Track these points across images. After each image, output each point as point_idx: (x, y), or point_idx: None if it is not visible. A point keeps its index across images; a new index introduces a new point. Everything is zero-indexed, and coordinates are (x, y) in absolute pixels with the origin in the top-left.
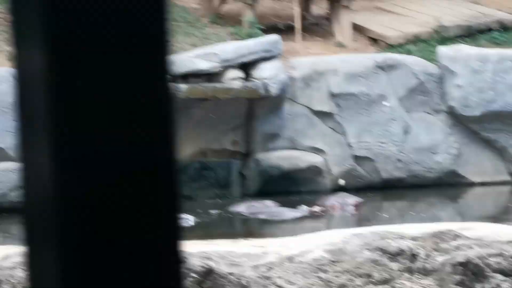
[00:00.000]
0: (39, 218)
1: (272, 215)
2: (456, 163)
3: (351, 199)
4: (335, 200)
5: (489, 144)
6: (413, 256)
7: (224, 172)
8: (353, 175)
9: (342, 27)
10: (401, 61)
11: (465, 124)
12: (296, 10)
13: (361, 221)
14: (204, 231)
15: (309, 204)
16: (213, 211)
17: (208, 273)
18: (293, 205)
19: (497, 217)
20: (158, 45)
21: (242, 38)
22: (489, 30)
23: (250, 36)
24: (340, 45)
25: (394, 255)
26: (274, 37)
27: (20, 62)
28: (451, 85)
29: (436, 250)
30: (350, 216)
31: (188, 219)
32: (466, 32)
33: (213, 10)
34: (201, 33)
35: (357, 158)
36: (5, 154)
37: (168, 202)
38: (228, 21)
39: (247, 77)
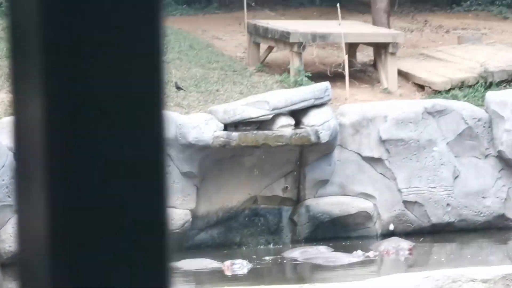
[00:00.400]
0: (33, 271)
1: (328, 260)
2: (505, 207)
3: (405, 244)
4: (389, 245)
5: None
6: None
7: (275, 218)
8: (402, 220)
9: (388, 74)
10: (450, 106)
11: None
12: (344, 58)
13: (414, 265)
14: (261, 277)
15: (363, 249)
16: (267, 258)
17: None
18: (346, 250)
19: None
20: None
21: (289, 85)
22: None
23: (297, 83)
24: (387, 92)
25: None
26: (324, 84)
27: (18, 109)
28: (500, 130)
29: None
30: (404, 261)
31: (243, 265)
32: (511, 76)
33: (259, 59)
34: (248, 81)
35: (406, 203)
36: None
37: (158, 253)
38: (274, 69)
39: (298, 124)
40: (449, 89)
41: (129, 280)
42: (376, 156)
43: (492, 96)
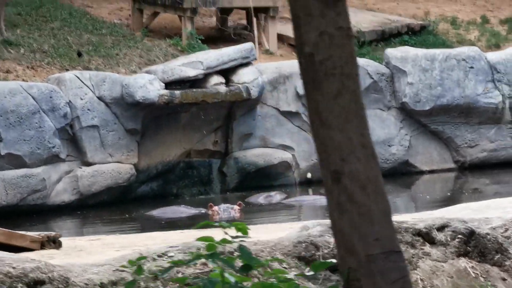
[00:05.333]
0: None
1: (314, 203)
2: (408, 154)
3: None
4: None
5: (436, 135)
6: None
7: (206, 170)
8: (318, 169)
9: (269, 36)
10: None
11: (415, 118)
12: (252, 19)
13: None
14: (259, 219)
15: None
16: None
17: (471, 234)
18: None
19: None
20: None
21: (183, 49)
22: (400, 34)
23: (191, 46)
24: (269, 53)
25: None
26: (249, 44)
27: None
28: (403, 84)
29: None
30: None
31: (228, 210)
32: (381, 36)
33: (142, 25)
34: (142, 46)
35: None
36: (22, 161)
37: None
38: (158, 34)
39: (227, 82)
40: None
41: None
42: (293, 110)
43: (392, 52)
